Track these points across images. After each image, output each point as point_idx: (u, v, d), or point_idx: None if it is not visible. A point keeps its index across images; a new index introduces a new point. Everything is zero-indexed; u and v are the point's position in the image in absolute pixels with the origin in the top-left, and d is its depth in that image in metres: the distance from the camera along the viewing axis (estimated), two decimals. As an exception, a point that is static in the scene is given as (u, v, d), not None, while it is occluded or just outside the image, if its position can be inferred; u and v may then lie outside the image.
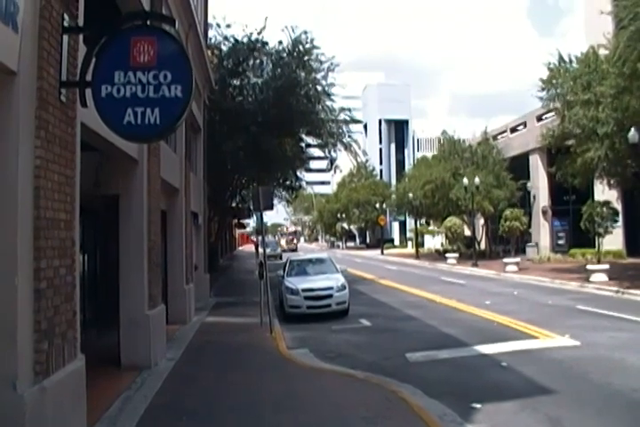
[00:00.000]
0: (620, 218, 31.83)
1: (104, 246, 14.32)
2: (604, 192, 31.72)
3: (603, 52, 25.56)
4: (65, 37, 6.32)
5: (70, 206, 6.58)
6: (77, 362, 6.66)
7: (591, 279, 24.14)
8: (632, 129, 21.02)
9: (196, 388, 9.81)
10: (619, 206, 31.63)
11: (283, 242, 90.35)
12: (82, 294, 11.51)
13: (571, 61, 29.06)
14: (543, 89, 29.88)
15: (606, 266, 25.23)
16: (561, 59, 29.35)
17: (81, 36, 6.88)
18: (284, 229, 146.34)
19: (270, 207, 17.49)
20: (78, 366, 6.66)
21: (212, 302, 22.16)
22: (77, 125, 6.79)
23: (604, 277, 24.03)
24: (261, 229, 17.46)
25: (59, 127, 6.16)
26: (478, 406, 8.43)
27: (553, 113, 32.10)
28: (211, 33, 28.04)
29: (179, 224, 17.47)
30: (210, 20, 27.27)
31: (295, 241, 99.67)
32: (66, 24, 6.32)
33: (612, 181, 28.63)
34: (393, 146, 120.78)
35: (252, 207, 17.85)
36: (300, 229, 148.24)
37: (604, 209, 29.13)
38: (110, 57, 6.18)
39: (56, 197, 6.10)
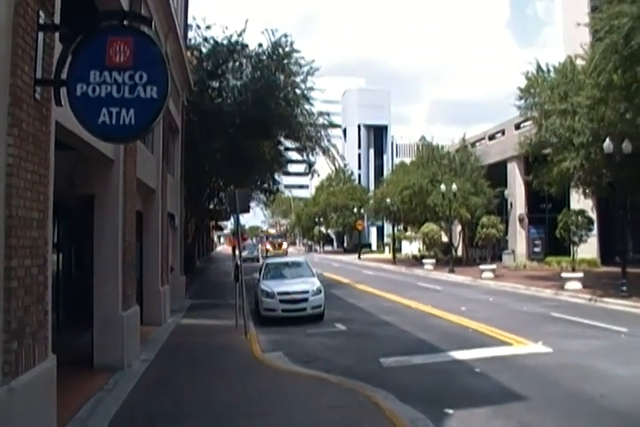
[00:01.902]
0: (595, 227, 32.11)
1: (79, 246, 14.19)
2: (580, 201, 32.03)
3: (580, 62, 25.88)
4: (40, 35, 6.26)
5: (43, 205, 6.52)
6: (48, 362, 6.60)
7: (566, 287, 24.37)
8: (607, 139, 21.24)
9: (169, 390, 9.77)
10: (594, 215, 31.95)
11: (268, 246, 74.64)
12: (56, 294, 11.43)
13: (548, 71, 29.44)
14: (521, 98, 30.24)
15: (580, 274, 25.51)
16: (539, 68, 29.72)
17: (57, 34, 6.83)
18: (269, 230, 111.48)
19: (247, 210, 17.49)
20: (49, 367, 6.59)
21: (187, 304, 22.06)
22: (52, 124, 6.74)
23: (578, 285, 24.29)
24: (237, 231, 17.43)
25: (32, 125, 6.10)
26: (451, 411, 8.46)
27: (531, 122, 32.38)
28: (191, 34, 27.95)
29: (155, 225, 17.38)
30: (190, 21, 27.20)
31: (285, 246, 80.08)
32: (41, 21, 6.26)
33: (587, 191, 28.94)
34: (372, 151, 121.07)
35: (228, 209, 17.78)
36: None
37: (580, 218, 29.43)
38: (86, 56, 6.15)
39: (29, 195, 6.04)
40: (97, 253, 10.95)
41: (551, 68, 29.34)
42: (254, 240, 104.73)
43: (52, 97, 6.41)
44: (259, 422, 7.96)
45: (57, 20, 6.84)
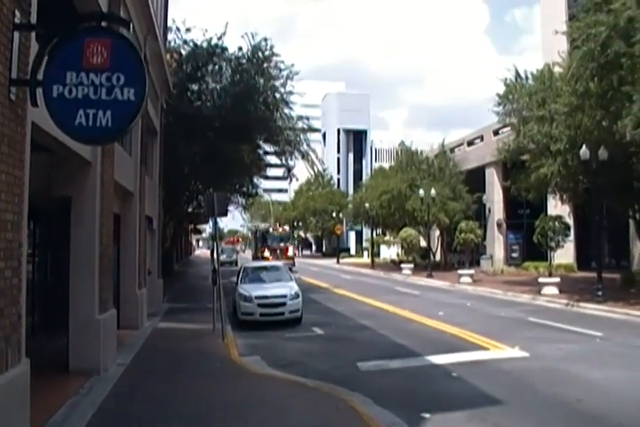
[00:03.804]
0: (572, 232, 32.43)
1: (56, 249, 14.07)
2: (557, 207, 32.30)
3: (558, 70, 26.13)
4: (16, 34, 6.20)
5: (18, 207, 6.45)
6: (21, 366, 6.52)
7: (543, 292, 24.59)
8: (584, 146, 21.46)
9: (146, 394, 9.70)
10: (570, 221, 32.21)
11: (266, 253, 49.26)
12: (31, 297, 11.33)
13: (527, 78, 29.69)
14: (500, 104, 30.42)
15: (557, 279, 25.74)
16: (517, 75, 29.97)
17: (33, 34, 6.77)
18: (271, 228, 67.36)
19: (225, 213, 17.45)
20: (22, 371, 6.51)
21: (165, 308, 21.92)
22: (28, 125, 6.67)
23: (555, 291, 24.52)
24: (215, 234, 17.36)
25: (7, 126, 6.03)
26: (427, 415, 8.48)
27: (509, 128, 32.60)
28: (170, 36, 27.91)
29: (132, 228, 17.27)
30: (169, 23, 27.14)
31: (293, 251, 55.16)
32: (17, 21, 6.20)
33: (564, 197, 29.16)
34: (351, 155, 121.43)
35: (206, 213, 17.71)
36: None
37: (557, 223, 29.65)
38: (63, 57, 6.11)
39: (3, 197, 5.97)
40: (73, 256, 10.83)
41: (529, 75, 29.60)
42: (245, 245, 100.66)
43: (28, 97, 6.35)
44: (235, 426, 7.92)
45: (33, 19, 6.78)
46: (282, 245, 51.17)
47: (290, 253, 51.39)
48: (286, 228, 61.30)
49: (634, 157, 23.17)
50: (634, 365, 11.58)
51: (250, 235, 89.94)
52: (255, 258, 52.89)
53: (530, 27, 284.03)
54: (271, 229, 55.17)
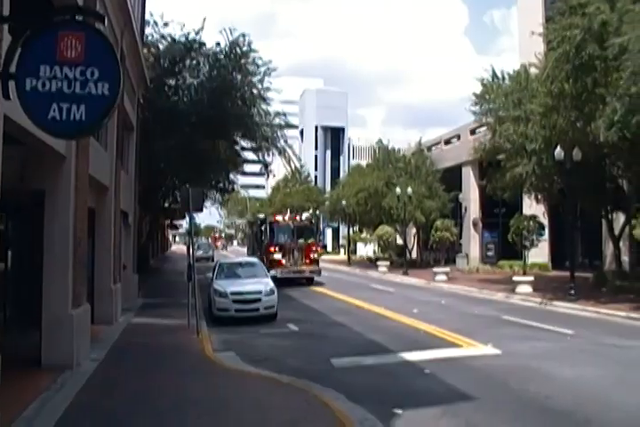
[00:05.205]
0: (546, 232, 32.72)
1: (29, 243, 13.96)
2: (532, 206, 32.57)
3: (534, 71, 26.38)
4: (-12, 26, 6.16)
5: (-11, 201, 6.41)
6: (-8, 361, 6.49)
7: (517, 290, 24.81)
8: (558, 147, 21.69)
9: (119, 389, 9.69)
10: (545, 221, 32.49)
11: (276, 255, 32.09)
12: (3, 292, 11.24)
13: (503, 78, 29.91)
14: (476, 104, 30.63)
15: (531, 278, 26.00)
16: (494, 75, 30.16)
17: (6, 26, 6.71)
18: (275, 216, 38.01)
19: (200, 209, 17.40)
20: (-7, 366, 6.49)
21: (139, 303, 21.85)
22: (0, 118, 6.63)
23: (528, 289, 24.76)
24: (191, 230, 17.33)
25: (-22, 118, 5.98)
26: (399, 411, 8.57)
27: (485, 127, 32.81)
28: (147, 31, 27.73)
29: (107, 223, 17.19)
30: (147, 17, 26.98)
31: (317, 252, 34.73)
32: (-11, 13, 6.16)
33: (539, 196, 29.43)
34: (328, 153, 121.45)
35: (182, 208, 17.66)
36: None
37: (531, 223, 29.95)
38: (36, 50, 6.06)
39: (-27, 190, 5.94)
40: (47, 251, 10.78)
41: (506, 76, 29.84)
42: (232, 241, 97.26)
43: (0, 90, 6.29)
44: (208, 422, 7.95)
45: (6, 11, 6.72)
46: (300, 242, 32.95)
47: (314, 254, 33.44)
48: (305, 215, 37.50)
49: (607, 159, 23.53)
50: (603, 362, 11.79)
51: (246, 228, 70.69)
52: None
53: (508, 28, 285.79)
54: (281, 219, 34.69)
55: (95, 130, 8.06)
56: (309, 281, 31.77)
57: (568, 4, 20.52)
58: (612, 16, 18.57)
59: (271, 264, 30.13)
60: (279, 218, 34.74)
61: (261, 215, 39.46)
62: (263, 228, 34.89)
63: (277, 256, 31.66)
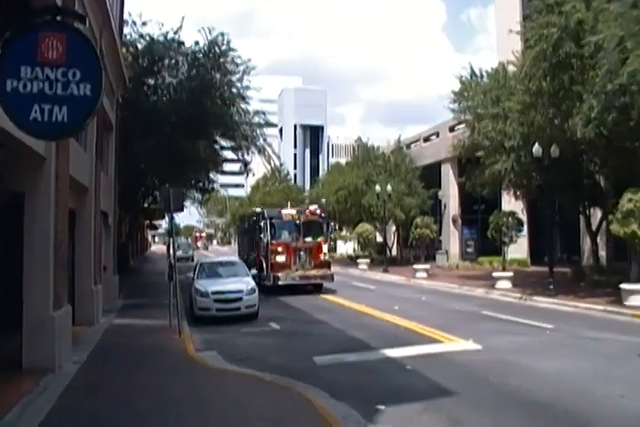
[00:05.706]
0: (525, 228, 32.96)
1: (9, 245, 13.85)
2: (511, 203, 32.88)
3: (512, 68, 26.62)
4: (-32, 28, 6.12)
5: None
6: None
7: (496, 286, 25.07)
8: (536, 144, 21.89)
9: (102, 391, 9.65)
10: (524, 217, 32.74)
11: (279, 257, 26.72)
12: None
13: (482, 76, 30.16)
14: (455, 101, 30.86)
15: (511, 274, 26.32)
16: (473, 73, 30.41)
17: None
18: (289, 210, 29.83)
19: (181, 209, 17.36)
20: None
21: (120, 304, 21.74)
22: (-20, 120, 6.60)
23: (508, 285, 25.03)
24: (171, 230, 17.30)
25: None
26: (382, 407, 8.63)
27: (464, 125, 33.02)
28: (126, 30, 27.50)
29: (87, 223, 17.09)
30: (125, 16, 26.78)
31: (327, 252, 29.00)
32: (-32, 14, 6.13)
33: (517, 193, 29.71)
34: (308, 151, 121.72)
35: (162, 208, 17.61)
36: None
37: (510, 219, 30.14)
38: (17, 51, 6.04)
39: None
40: (27, 252, 10.70)
41: (484, 74, 30.09)
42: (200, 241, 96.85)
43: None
44: (191, 420, 7.95)
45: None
46: (308, 240, 27.80)
47: (324, 256, 28.25)
48: (313, 208, 30.79)
49: (584, 155, 23.80)
50: (581, 355, 11.99)
51: (238, 224, 56.44)
52: (255, 265, 28.41)
53: (485, 26, 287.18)
54: (284, 212, 28.73)
55: (78, 131, 8.04)
56: (318, 288, 26.98)
57: (545, 3, 20.77)
58: (588, 15, 18.83)
59: (272, 268, 26.47)
60: (285, 211, 28.77)
61: (258, 209, 33.47)
62: (262, 224, 28.27)
63: (280, 258, 26.67)
